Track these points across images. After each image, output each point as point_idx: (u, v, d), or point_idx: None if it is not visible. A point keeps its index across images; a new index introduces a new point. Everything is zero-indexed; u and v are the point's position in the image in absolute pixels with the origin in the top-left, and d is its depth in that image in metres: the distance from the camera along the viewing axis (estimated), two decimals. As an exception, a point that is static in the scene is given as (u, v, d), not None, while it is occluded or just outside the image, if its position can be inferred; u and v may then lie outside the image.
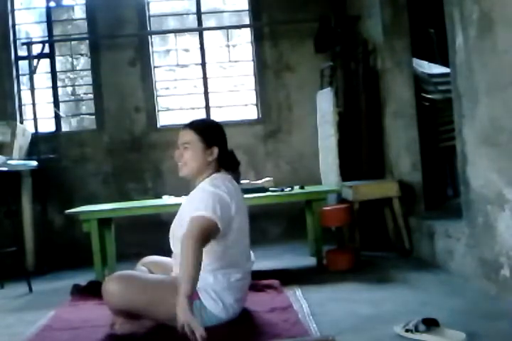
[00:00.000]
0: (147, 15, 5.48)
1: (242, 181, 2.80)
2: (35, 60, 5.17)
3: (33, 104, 5.04)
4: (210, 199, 2.37)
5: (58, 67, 5.57)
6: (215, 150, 2.52)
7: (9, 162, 4.39)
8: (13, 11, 5.44)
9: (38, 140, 5.04)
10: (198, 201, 2.40)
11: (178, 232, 2.46)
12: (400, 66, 4.31)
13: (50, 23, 5.47)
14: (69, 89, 5.69)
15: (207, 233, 2.27)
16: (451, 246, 3.32)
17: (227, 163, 2.60)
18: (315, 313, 2.62)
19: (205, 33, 5.57)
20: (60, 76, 5.60)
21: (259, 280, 3.08)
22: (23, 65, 5.35)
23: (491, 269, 2.80)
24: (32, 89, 5.06)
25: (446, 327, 2.19)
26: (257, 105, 5.57)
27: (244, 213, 2.57)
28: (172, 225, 2.60)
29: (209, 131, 2.55)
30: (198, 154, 2.51)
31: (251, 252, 2.69)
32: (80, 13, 5.63)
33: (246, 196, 2.93)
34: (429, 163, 4.41)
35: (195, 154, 2.51)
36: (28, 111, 5.35)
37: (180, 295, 2.12)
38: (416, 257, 3.89)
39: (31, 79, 5.07)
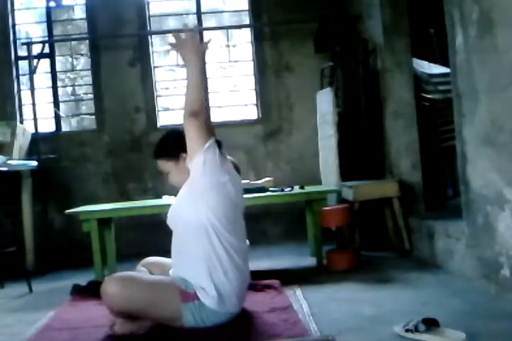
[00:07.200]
0: (147, 15, 5.48)
1: (242, 181, 2.79)
2: (35, 60, 5.16)
3: (33, 104, 5.03)
4: None
5: (58, 67, 5.57)
6: (184, 155, 2.52)
7: (9, 162, 4.39)
8: (13, 11, 5.45)
9: (38, 140, 5.03)
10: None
11: (176, 220, 2.52)
12: (400, 66, 4.32)
13: (50, 23, 5.48)
14: (69, 89, 5.69)
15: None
16: (451, 246, 3.32)
17: None
18: (315, 313, 2.62)
19: (205, 33, 5.56)
20: (60, 76, 5.61)
21: (259, 280, 3.08)
22: (23, 65, 5.35)
23: (491, 269, 2.80)
24: (32, 89, 5.05)
25: (446, 327, 2.19)
26: (257, 105, 5.57)
27: (239, 189, 2.58)
28: (169, 213, 2.61)
29: (165, 148, 2.62)
30: (175, 171, 2.59)
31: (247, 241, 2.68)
32: (80, 13, 5.63)
33: (246, 196, 2.93)
34: (429, 163, 4.41)
35: (174, 172, 2.61)
36: (28, 111, 5.35)
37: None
38: (416, 257, 3.89)
39: (31, 79, 5.07)
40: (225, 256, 2.43)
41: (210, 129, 2.42)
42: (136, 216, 4.29)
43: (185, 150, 2.50)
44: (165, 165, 2.62)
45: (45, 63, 5.40)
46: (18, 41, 5.40)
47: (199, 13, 5.55)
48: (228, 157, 2.65)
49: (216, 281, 2.41)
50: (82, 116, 5.74)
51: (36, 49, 5.21)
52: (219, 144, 2.50)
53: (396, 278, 3.32)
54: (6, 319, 3.01)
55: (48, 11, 5.47)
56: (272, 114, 5.46)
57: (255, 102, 5.58)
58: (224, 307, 2.41)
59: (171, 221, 2.58)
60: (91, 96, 5.52)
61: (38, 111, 5.12)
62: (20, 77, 5.43)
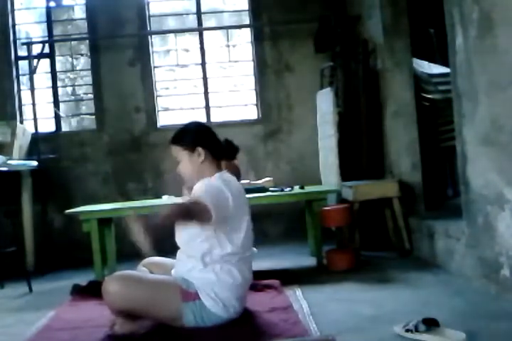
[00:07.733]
0: (147, 15, 5.48)
1: (242, 181, 2.80)
2: (35, 60, 5.16)
3: (33, 104, 5.04)
4: (204, 188, 2.44)
5: (58, 67, 5.57)
6: (200, 150, 2.55)
7: (9, 162, 4.39)
8: (13, 11, 5.44)
9: (38, 140, 5.03)
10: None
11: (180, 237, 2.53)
12: (400, 66, 4.32)
13: (50, 23, 5.48)
14: (69, 89, 5.69)
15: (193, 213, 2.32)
16: (451, 246, 3.32)
17: (224, 154, 2.66)
18: (315, 313, 2.62)
19: (205, 33, 5.57)
20: (60, 76, 5.61)
21: (259, 280, 3.08)
22: (23, 65, 5.35)
23: (491, 269, 2.80)
24: (32, 89, 5.06)
25: (446, 327, 2.19)
26: (257, 105, 5.57)
27: (245, 205, 2.60)
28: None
29: (185, 136, 2.61)
30: (187, 162, 2.58)
31: (253, 248, 2.70)
32: (80, 13, 5.63)
33: (246, 196, 2.93)
34: (429, 163, 4.41)
35: (185, 162, 2.59)
36: (28, 111, 5.35)
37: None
38: (416, 257, 3.89)
39: (31, 79, 5.07)
40: (231, 264, 2.45)
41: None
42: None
43: (202, 145, 2.53)
44: (179, 152, 2.60)
45: (45, 63, 5.39)
46: (18, 41, 5.40)
47: (199, 13, 5.55)
48: (234, 161, 2.67)
49: (218, 289, 2.41)
50: (82, 116, 5.74)
51: (36, 49, 5.21)
52: (228, 146, 2.53)
53: (396, 278, 3.32)
54: (6, 319, 3.01)
55: (48, 11, 5.47)
56: (272, 114, 5.46)
57: (255, 102, 5.58)
58: (226, 312, 2.42)
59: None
60: (91, 96, 5.52)
61: (38, 111, 5.12)
62: (20, 77, 5.43)
